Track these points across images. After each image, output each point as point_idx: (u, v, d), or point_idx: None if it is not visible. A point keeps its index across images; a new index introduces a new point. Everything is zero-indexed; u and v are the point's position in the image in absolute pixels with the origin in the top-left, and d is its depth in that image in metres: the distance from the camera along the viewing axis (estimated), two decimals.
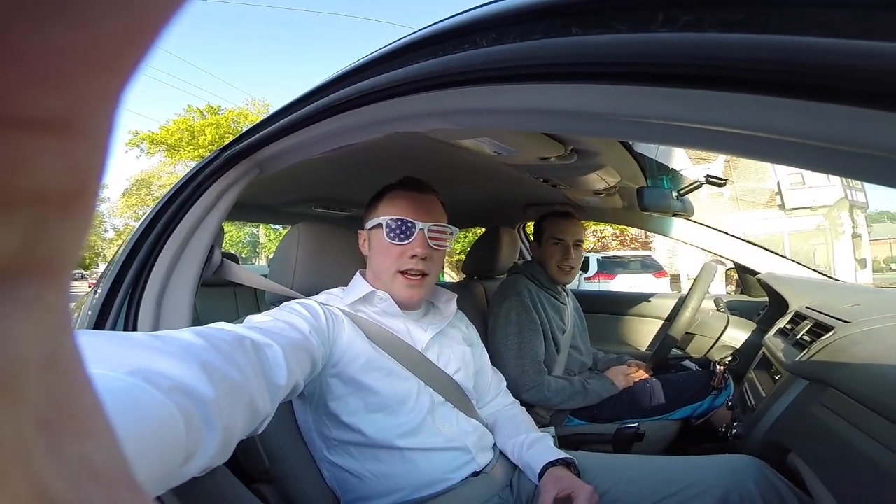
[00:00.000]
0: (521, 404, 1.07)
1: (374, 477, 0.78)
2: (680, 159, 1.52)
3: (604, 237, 14.42)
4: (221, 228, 0.89)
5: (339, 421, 0.79)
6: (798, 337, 1.03)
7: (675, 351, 1.74)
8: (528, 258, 1.87)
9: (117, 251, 0.92)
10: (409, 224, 0.84)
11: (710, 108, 0.27)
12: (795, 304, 1.26)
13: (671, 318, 1.89)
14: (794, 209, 12.01)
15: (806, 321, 1.08)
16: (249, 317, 0.68)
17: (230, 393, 0.43)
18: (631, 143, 1.17)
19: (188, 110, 16.71)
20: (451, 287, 1.59)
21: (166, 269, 0.78)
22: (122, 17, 0.07)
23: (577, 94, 0.33)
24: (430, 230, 0.85)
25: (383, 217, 0.85)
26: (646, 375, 1.43)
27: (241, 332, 0.54)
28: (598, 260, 10.09)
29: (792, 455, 0.82)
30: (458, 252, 11.71)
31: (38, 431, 0.08)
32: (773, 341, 1.16)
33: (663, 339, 1.62)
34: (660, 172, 1.45)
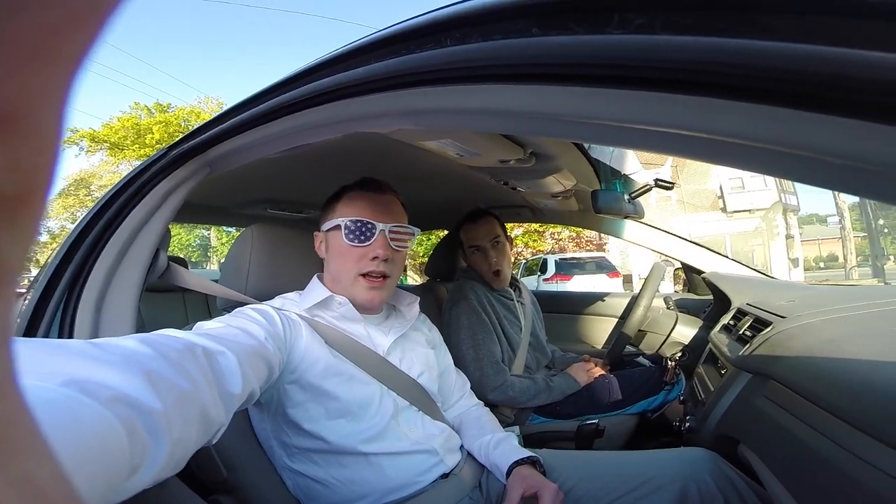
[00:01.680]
0: (486, 405, 1.07)
1: (341, 483, 0.76)
2: (631, 164, 1.59)
3: (561, 239, 14.84)
4: (168, 231, 0.84)
5: (299, 428, 0.76)
6: (740, 332, 1.07)
7: (630, 348, 1.81)
8: None
9: (50, 255, 0.85)
10: (369, 225, 0.82)
11: (661, 110, 0.28)
12: (737, 301, 1.32)
13: (625, 317, 1.96)
14: (735, 212, 12.85)
15: (747, 317, 1.12)
16: (200, 323, 0.65)
17: (179, 403, 0.40)
18: (586, 147, 1.21)
19: (135, 107, 15.90)
20: (413, 290, 1.58)
21: (106, 273, 0.73)
22: (63, 4, 0.07)
23: (537, 95, 0.33)
24: (390, 231, 0.83)
25: (342, 218, 0.83)
26: (603, 372, 1.48)
27: (192, 339, 0.51)
28: (555, 262, 10.38)
29: (742, 446, 0.84)
30: (421, 255, 11.70)
31: None
32: (718, 337, 1.21)
33: (618, 336, 1.68)
34: (613, 176, 1.50)
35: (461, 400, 1.03)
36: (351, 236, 0.82)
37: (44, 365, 0.33)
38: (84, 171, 17.36)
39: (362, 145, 0.95)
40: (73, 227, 0.83)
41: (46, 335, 0.70)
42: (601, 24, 0.26)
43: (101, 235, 0.75)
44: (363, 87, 0.49)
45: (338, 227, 0.83)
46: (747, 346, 0.97)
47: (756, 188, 12.50)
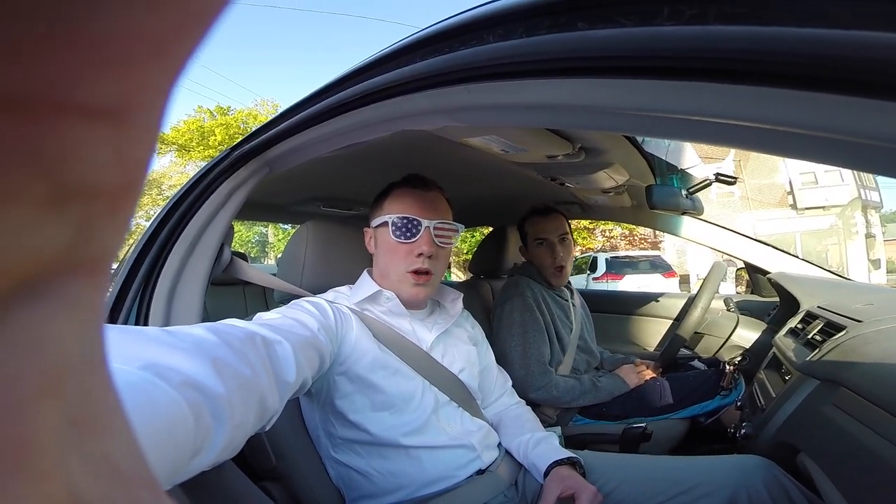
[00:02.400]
0: (529, 404, 1.07)
1: (380, 475, 0.79)
2: (689, 157, 1.51)
3: (612, 237, 14.34)
4: (231, 227, 0.90)
5: (345, 419, 0.79)
6: (809, 336, 1.01)
7: (684, 351, 1.73)
8: None
9: (127, 250, 0.93)
10: (415, 222, 0.84)
11: (715, 100, 0.27)
12: (807, 304, 1.25)
13: (680, 318, 1.87)
14: (807, 209, 11.84)
15: (817, 321, 1.06)
16: (259, 314, 0.68)
17: (241, 389, 0.43)
18: (640, 140, 1.16)
19: (198, 111, 16.82)
20: (457, 286, 1.59)
21: (177, 267, 0.79)
22: (188, 4, 0.07)
23: (584, 88, 0.33)
24: (435, 228, 0.85)
25: (389, 215, 0.85)
26: (655, 375, 1.42)
27: (252, 329, 0.54)
28: (606, 260, 10.02)
29: (802, 455, 0.81)
30: (465, 252, 11.71)
31: (70, 430, 0.08)
32: (783, 341, 1.15)
33: (672, 338, 1.61)
34: (669, 171, 1.44)
35: (501, 398, 1.03)
36: (397, 233, 0.84)
37: (125, 349, 0.37)
38: (155, 171, 18.62)
39: (410, 143, 0.97)
40: (147, 224, 0.90)
41: (125, 323, 0.77)
42: (650, 16, 0.26)
43: (172, 233, 0.81)
44: (410, 86, 0.50)
45: (385, 223, 0.85)
46: (816, 351, 0.92)
47: (831, 183, 11.44)
